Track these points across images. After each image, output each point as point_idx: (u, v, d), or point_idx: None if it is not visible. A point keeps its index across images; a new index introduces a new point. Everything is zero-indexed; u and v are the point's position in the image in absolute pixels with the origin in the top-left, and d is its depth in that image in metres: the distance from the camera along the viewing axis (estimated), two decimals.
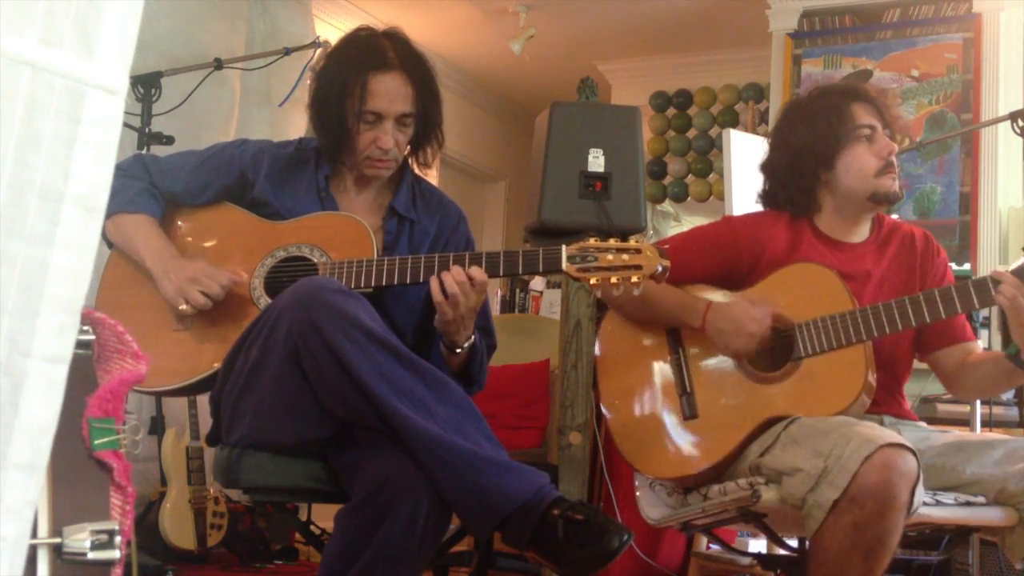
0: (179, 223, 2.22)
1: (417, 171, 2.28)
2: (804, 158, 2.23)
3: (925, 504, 1.95)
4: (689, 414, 2.16)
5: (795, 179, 2.26)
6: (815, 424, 1.94)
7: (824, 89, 2.31)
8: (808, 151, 2.23)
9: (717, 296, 2.22)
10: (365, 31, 2.18)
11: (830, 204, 2.25)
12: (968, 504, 2.00)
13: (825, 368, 2.06)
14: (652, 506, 2.23)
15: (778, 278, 2.17)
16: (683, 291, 2.22)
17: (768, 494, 1.91)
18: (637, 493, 2.26)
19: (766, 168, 2.33)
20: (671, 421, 2.19)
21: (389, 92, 2.08)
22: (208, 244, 2.17)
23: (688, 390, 2.18)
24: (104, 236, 2.19)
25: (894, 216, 2.40)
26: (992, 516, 2.01)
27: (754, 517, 2.00)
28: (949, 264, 2.31)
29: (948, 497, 2.01)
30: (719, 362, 2.17)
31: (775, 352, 2.12)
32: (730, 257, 2.23)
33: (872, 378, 2.05)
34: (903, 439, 1.84)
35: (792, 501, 1.87)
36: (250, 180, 2.18)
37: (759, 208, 2.38)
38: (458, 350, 2.02)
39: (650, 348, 2.27)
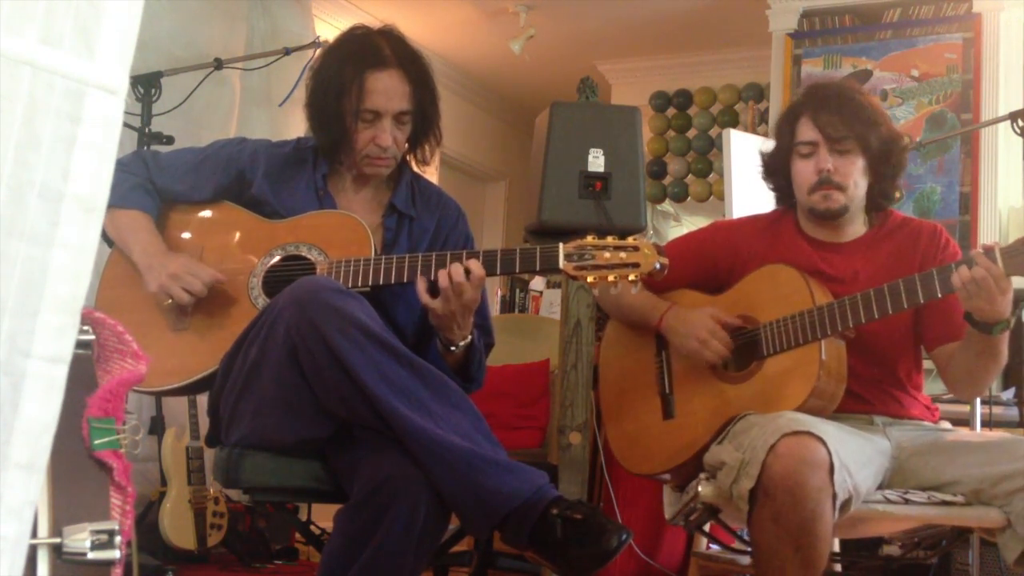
0: (178, 221, 2.22)
1: (416, 169, 2.28)
2: (770, 162, 2.34)
3: (891, 502, 1.99)
4: (668, 414, 2.25)
5: (770, 179, 2.36)
6: (749, 419, 2.00)
7: (802, 94, 2.35)
8: (772, 157, 2.33)
9: (693, 299, 2.29)
10: (360, 29, 2.18)
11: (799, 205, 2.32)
12: (944, 503, 2.00)
13: (783, 367, 2.11)
14: (669, 505, 2.30)
15: (750, 280, 2.25)
16: (650, 294, 2.31)
17: (705, 489, 1.98)
18: (664, 491, 2.34)
19: (759, 166, 2.41)
20: (652, 420, 2.28)
21: (386, 90, 2.08)
22: (207, 243, 2.17)
23: (668, 391, 2.27)
24: (102, 232, 2.18)
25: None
26: (968, 515, 2.01)
27: (712, 512, 2.05)
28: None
29: (920, 496, 2.02)
30: (695, 364, 2.23)
31: (745, 353, 2.17)
32: (708, 262, 2.32)
33: (831, 376, 2.06)
34: (813, 426, 1.86)
35: (724, 495, 1.92)
36: (248, 179, 2.18)
37: (759, 207, 2.42)
38: (453, 348, 2.02)
39: (642, 351, 2.36)
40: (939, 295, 1.99)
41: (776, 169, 2.32)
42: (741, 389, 2.15)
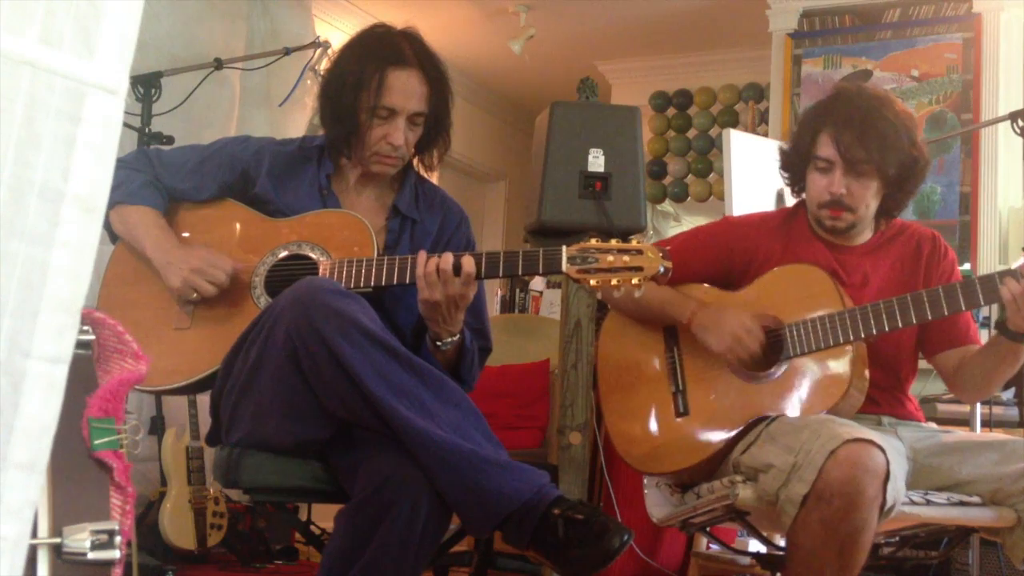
0: (181, 219, 2.21)
1: (423, 173, 2.28)
2: (787, 164, 2.32)
3: (915, 504, 1.98)
4: (680, 411, 2.20)
5: (788, 174, 2.34)
6: (792, 421, 1.96)
7: (827, 102, 2.26)
8: (789, 160, 2.31)
9: (711, 295, 2.25)
10: (381, 28, 2.18)
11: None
12: (962, 504, 2.01)
13: (812, 368, 2.08)
14: (657, 505, 2.27)
15: (771, 278, 2.20)
16: (675, 290, 2.26)
17: (745, 492, 1.94)
18: (645, 492, 2.30)
19: (779, 166, 2.40)
20: (663, 417, 2.22)
21: (405, 89, 2.08)
22: (209, 241, 2.17)
23: (681, 387, 2.21)
24: (108, 227, 2.19)
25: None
26: (986, 516, 2.01)
27: (738, 515, 2.03)
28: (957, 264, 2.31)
29: (940, 497, 2.02)
30: (712, 361, 2.19)
31: (767, 352, 2.14)
32: (724, 257, 2.28)
33: (860, 378, 2.06)
34: (871, 435, 1.84)
35: (767, 498, 1.88)
36: (252, 177, 2.18)
37: (759, 207, 2.41)
38: (439, 344, 2.01)
39: (648, 346, 2.30)
40: (982, 304, 2.00)
41: (792, 168, 2.31)
42: (764, 388, 2.11)
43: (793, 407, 2.03)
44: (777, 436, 1.94)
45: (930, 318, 2.02)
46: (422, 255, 1.93)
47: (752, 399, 2.11)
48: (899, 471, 1.90)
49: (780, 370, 2.11)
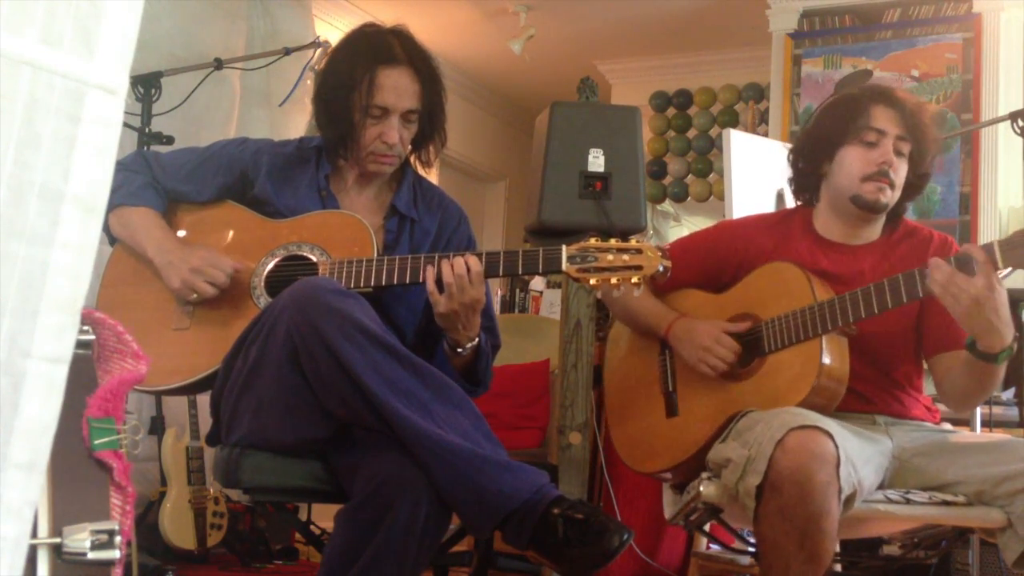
0: (180, 221, 2.22)
1: (420, 171, 2.28)
2: (813, 144, 2.28)
3: (892, 502, 1.98)
4: (671, 412, 2.26)
5: (803, 162, 2.31)
6: (753, 416, 1.99)
7: (865, 85, 2.33)
8: (818, 138, 2.27)
9: (698, 299, 2.29)
10: (371, 27, 2.18)
11: (825, 198, 2.29)
12: (945, 504, 2.00)
13: (785, 364, 2.11)
14: (667, 505, 2.30)
15: (753, 278, 2.24)
16: (657, 301, 2.32)
17: (708, 488, 1.97)
18: (664, 494, 2.34)
19: (791, 150, 2.38)
20: (656, 418, 2.28)
21: (397, 87, 2.08)
22: (209, 243, 2.17)
23: (671, 389, 2.27)
24: (106, 230, 2.20)
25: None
26: (970, 515, 2.01)
27: (713, 512, 2.04)
28: None
29: (922, 496, 2.02)
30: None
31: (748, 351, 2.17)
32: (714, 261, 2.31)
33: (831, 373, 2.06)
34: (820, 421, 1.86)
35: (729, 492, 1.91)
36: (250, 179, 2.19)
37: (758, 207, 2.41)
38: (459, 350, 2.02)
39: (646, 350, 2.36)
40: (920, 294, 1.99)
41: (814, 152, 2.27)
42: (743, 386, 2.15)
43: (767, 402, 2.05)
44: (741, 431, 1.97)
45: (891, 306, 2.01)
46: (430, 271, 1.93)
47: (732, 397, 2.15)
48: (859, 459, 1.91)
49: (758, 367, 2.14)
